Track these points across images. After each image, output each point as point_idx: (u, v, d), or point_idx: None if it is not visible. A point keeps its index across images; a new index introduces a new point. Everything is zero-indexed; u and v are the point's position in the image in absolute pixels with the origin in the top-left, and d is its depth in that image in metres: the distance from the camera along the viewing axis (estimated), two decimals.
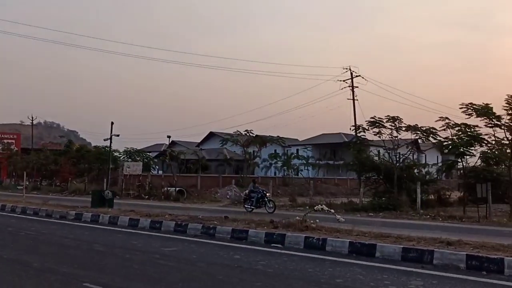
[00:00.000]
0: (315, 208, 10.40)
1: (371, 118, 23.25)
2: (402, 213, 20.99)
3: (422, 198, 25.16)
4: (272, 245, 9.24)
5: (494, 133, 19.57)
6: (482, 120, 19.05)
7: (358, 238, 8.54)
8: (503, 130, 19.21)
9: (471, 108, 19.27)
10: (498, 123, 18.94)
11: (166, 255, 8.45)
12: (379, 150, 28.78)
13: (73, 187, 40.50)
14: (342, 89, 32.12)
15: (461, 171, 31.72)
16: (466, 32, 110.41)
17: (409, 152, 25.39)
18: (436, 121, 21.78)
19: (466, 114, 19.55)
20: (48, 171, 46.17)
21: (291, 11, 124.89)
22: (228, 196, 40.88)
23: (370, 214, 21.52)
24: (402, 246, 7.49)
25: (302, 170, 59.13)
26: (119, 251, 8.94)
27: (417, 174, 28.82)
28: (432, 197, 26.51)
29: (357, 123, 32.05)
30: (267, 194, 20.43)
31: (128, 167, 36.44)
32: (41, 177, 47.36)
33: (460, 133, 19.92)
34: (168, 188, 35.72)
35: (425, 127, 22.11)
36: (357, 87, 32.08)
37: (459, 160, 20.49)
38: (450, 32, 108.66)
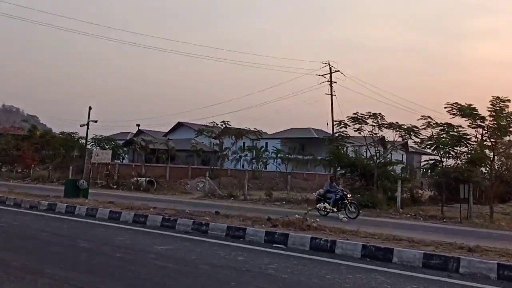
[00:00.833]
0: (317, 206, 9.83)
1: (354, 114, 23.02)
2: (382, 211, 20.85)
3: (396, 196, 25.30)
4: (274, 245, 8.63)
5: (476, 134, 19.68)
6: (467, 120, 19.08)
7: (369, 241, 8.05)
8: (485, 131, 19.31)
9: (456, 108, 19.23)
10: (482, 124, 18.99)
11: (161, 254, 7.69)
12: (357, 148, 28.66)
13: (36, 174, 38.60)
14: (320, 83, 31.77)
15: (429, 171, 32.16)
16: (427, 35, 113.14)
17: (390, 150, 25.38)
18: (418, 119, 21.73)
19: (451, 114, 19.52)
20: (9, 157, 43.79)
21: (271, 3, 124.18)
22: (198, 188, 40.06)
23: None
24: (423, 251, 7.02)
25: (268, 164, 58.94)
26: (107, 249, 8.09)
27: (392, 172, 28.99)
28: (405, 195, 26.66)
29: (334, 118, 31.84)
30: (349, 196, 16.31)
31: (97, 155, 34.92)
32: (1, 162, 44.89)
33: (443, 132, 19.90)
34: (138, 178, 34.57)
35: (406, 125, 22.07)
36: (335, 82, 31.79)
37: (443, 159, 20.48)
38: (412, 35, 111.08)
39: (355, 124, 23.15)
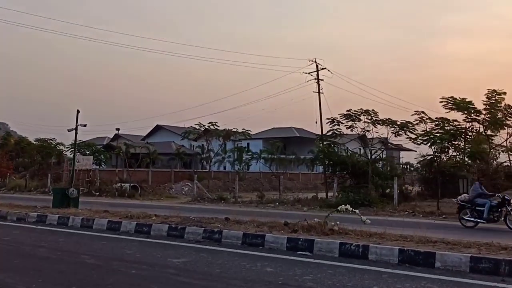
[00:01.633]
0: (338, 208, 9.27)
1: (347, 111, 22.61)
2: (379, 209, 20.52)
3: (388, 193, 25.06)
4: (298, 252, 8.02)
5: (472, 128, 19.57)
6: (463, 114, 18.95)
7: (402, 244, 7.52)
8: (481, 125, 19.22)
9: (451, 102, 19.06)
10: (477, 118, 18.88)
11: (181, 269, 6.99)
12: (347, 147, 28.35)
13: (12, 183, 37.05)
14: (307, 81, 31.31)
15: (421, 167, 32.12)
16: (401, 33, 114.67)
17: (382, 147, 25.12)
18: (412, 115, 21.54)
19: (446, 108, 19.36)
20: None
21: (253, 3, 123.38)
22: (183, 192, 39.17)
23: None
24: (469, 255, 6.52)
25: (251, 165, 58.44)
26: (118, 265, 7.33)
27: (381, 169, 28.82)
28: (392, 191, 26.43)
29: (322, 116, 31.45)
30: None
31: (78, 161, 33.59)
32: None
33: (438, 127, 19.71)
34: (122, 184, 33.49)
35: (400, 121, 21.80)
36: (322, 80, 31.38)
37: (439, 155, 20.27)
38: (386, 33, 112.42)
39: (348, 121, 22.79)
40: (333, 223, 9.01)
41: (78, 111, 16.23)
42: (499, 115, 18.32)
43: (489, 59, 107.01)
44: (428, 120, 20.61)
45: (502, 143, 20.07)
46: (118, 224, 11.10)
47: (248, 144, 61.06)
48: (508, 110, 18.07)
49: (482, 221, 13.13)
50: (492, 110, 18.13)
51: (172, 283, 6.13)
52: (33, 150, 41.75)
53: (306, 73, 31.43)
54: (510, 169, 24.17)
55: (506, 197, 13.36)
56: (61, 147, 42.00)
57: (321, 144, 28.85)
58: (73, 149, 42.90)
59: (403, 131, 21.53)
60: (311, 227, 8.76)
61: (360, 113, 22.51)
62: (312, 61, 31.34)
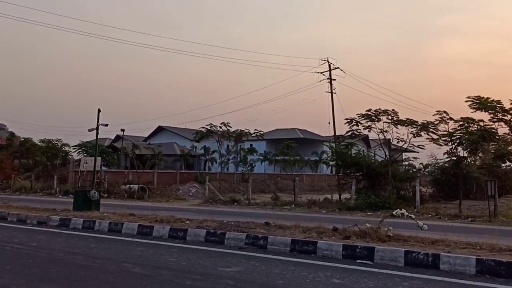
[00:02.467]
0: (394, 213, 8.71)
1: (366, 111, 22.08)
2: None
3: (403, 195, 24.55)
4: (358, 261, 7.46)
5: (497, 128, 19.05)
6: (490, 114, 18.42)
7: (475, 252, 6.98)
8: (507, 125, 18.71)
9: (478, 101, 18.55)
10: (505, 117, 18.38)
11: (238, 279, 6.42)
12: (362, 148, 27.87)
13: (18, 185, 36.38)
14: (320, 81, 30.81)
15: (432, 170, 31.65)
16: (399, 34, 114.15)
17: (402, 148, 24.58)
18: (434, 115, 21.04)
19: (472, 108, 18.83)
20: None
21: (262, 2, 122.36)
22: (190, 194, 38.62)
23: (368, 213, 20.33)
24: None
25: (255, 166, 57.99)
26: (168, 275, 6.76)
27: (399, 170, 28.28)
28: (405, 193, 26.01)
29: (335, 117, 30.95)
30: None
31: (86, 163, 32.85)
32: None
33: (463, 128, 19.17)
34: (131, 186, 32.90)
35: (422, 121, 21.28)
36: (334, 79, 30.89)
37: (470, 155, 19.73)
38: (385, 34, 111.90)
39: (368, 121, 22.26)
40: (386, 229, 8.46)
41: (99, 110, 15.67)
42: None
43: (487, 60, 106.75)
44: (449, 120, 20.14)
45: None
46: (150, 229, 10.52)
47: (251, 145, 60.70)
48: None
49: None
50: None
51: None
52: (38, 151, 41.07)
53: (318, 72, 31.01)
54: None
55: None
56: (66, 148, 41.36)
57: (334, 145, 28.40)
58: (80, 150, 42.48)
59: (424, 132, 21.00)
60: (365, 233, 8.21)
61: (379, 113, 22.00)
62: (324, 60, 30.91)
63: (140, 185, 33.53)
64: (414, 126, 21.22)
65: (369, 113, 22.12)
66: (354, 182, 24.23)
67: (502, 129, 19.06)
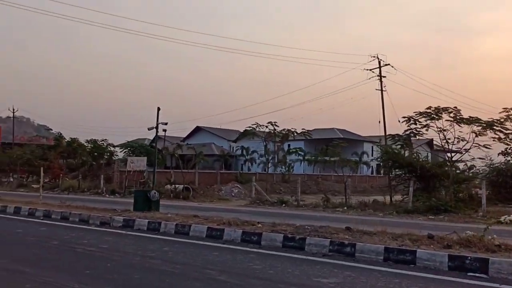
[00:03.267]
0: (501, 220, 7.84)
1: (426, 108, 20.97)
2: (465, 216, 18.76)
3: (461, 197, 23.23)
4: (469, 274, 6.65)
5: None
6: None
7: None
8: None
9: None
10: None
11: None
12: (416, 149, 26.65)
13: (66, 184, 36.94)
14: (369, 78, 29.74)
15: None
16: (432, 33, 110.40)
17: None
18: (500, 112, 19.78)
19: None
20: (35, 167, 42.17)
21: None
22: (233, 194, 38.25)
23: (430, 217, 19.24)
24: None
25: (293, 166, 57.24)
26: (262, 285, 6.18)
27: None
28: (461, 195, 24.63)
29: (385, 115, 29.84)
30: None
31: (132, 162, 33.15)
32: (27, 173, 43.31)
33: None
34: (176, 186, 32.82)
35: (489, 119, 20.01)
36: (384, 76, 29.75)
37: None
38: (417, 33, 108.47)
39: (427, 119, 21.14)
40: (490, 237, 7.60)
41: (158, 109, 15.38)
42: None
43: None
44: None
45: None
46: (220, 232, 9.99)
47: (289, 145, 60.03)
48: None
49: None
50: None
51: None
52: (84, 151, 41.70)
53: (368, 69, 29.94)
54: None
55: None
56: (111, 148, 41.84)
57: (384, 144, 27.31)
58: (126, 150, 42.87)
59: (490, 130, 19.73)
60: (468, 242, 7.38)
61: (440, 110, 20.85)
62: (374, 57, 29.85)
63: (184, 185, 33.44)
64: (478, 124, 19.97)
65: (428, 110, 21.00)
66: (412, 184, 23.08)
67: None
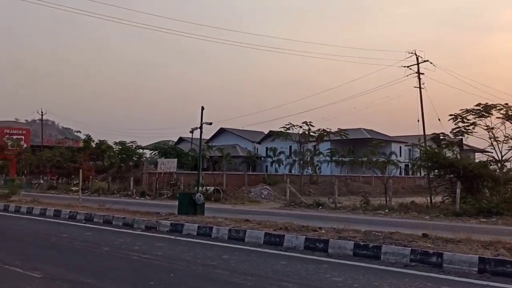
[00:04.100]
0: None
1: (475, 105, 19.90)
2: None
3: (507, 198, 22.03)
4: None
5: None
6: None
7: None
8: None
9: None
10: None
11: None
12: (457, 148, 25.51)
13: (96, 186, 36.83)
14: (407, 76, 28.62)
15: None
16: (452, 30, 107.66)
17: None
18: None
19: None
20: (64, 169, 42.30)
21: None
22: (262, 196, 37.56)
23: (481, 220, 18.17)
24: None
25: (320, 168, 56.26)
26: None
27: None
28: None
29: (424, 114, 28.68)
30: None
31: (163, 164, 32.82)
32: (57, 175, 43.48)
33: None
34: (207, 188, 32.32)
35: None
36: (423, 73, 28.61)
37: None
38: (435, 31, 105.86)
39: (475, 117, 20.07)
40: None
41: (202, 108, 14.80)
42: None
43: None
44: None
45: None
46: (280, 238, 9.27)
47: (315, 146, 59.12)
48: None
49: None
50: None
51: None
52: (113, 153, 41.60)
53: (405, 66, 28.83)
54: None
55: None
56: (140, 150, 41.67)
57: (423, 144, 26.24)
58: (156, 152, 42.62)
59: None
60: None
61: (490, 107, 19.75)
62: (412, 53, 28.72)
63: (215, 187, 33.00)
64: None
65: (477, 107, 19.92)
66: (459, 185, 21.97)
67: None
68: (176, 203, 14.31)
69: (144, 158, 41.34)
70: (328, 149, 51.21)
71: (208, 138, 72.45)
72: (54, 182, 41.78)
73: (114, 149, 42.12)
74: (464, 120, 20.46)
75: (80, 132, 44.82)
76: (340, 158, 58.69)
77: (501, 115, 19.40)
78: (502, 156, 20.98)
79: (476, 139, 21.93)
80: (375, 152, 29.27)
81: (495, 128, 20.62)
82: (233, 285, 6.25)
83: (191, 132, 16.08)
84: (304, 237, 8.98)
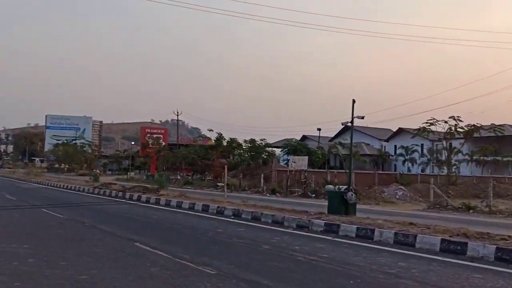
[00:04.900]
0: None
1: None
2: None
3: None
4: None
5: None
6: None
7: None
8: None
9: None
10: None
11: None
12: None
13: (228, 182, 37.98)
14: None
15: None
16: None
17: None
18: None
19: None
20: (198, 166, 44.52)
21: None
22: (397, 197, 35.30)
23: None
24: None
25: (458, 167, 51.54)
26: None
27: None
28: None
29: None
30: None
31: (294, 162, 32.60)
32: (192, 171, 46.03)
33: None
34: (340, 187, 31.30)
35: None
36: None
37: None
38: None
39: None
40: None
41: (353, 101, 13.98)
42: None
43: None
44: None
45: None
46: (461, 246, 7.98)
47: (450, 144, 54.38)
48: None
49: None
50: None
51: None
52: (244, 151, 42.72)
53: None
54: None
55: None
56: (269, 148, 42.18)
57: None
58: (285, 149, 42.88)
59: None
60: None
61: None
62: None
63: (352, 187, 31.78)
64: None
65: None
66: None
67: None
68: (308, 201, 13.79)
69: (276, 156, 41.66)
70: (480, 146, 46.55)
71: (331, 136, 71.23)
72: (190, 178, 44.18)
73: (244, 147, 43.13)
74: None
75: (212, 130, 46.61)
76: (482, 157, 53.57)
77: None
78: None
79: None
80: None
81: None
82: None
83: (343, 124, 15.17)
84: (495, 246, 7.57)
